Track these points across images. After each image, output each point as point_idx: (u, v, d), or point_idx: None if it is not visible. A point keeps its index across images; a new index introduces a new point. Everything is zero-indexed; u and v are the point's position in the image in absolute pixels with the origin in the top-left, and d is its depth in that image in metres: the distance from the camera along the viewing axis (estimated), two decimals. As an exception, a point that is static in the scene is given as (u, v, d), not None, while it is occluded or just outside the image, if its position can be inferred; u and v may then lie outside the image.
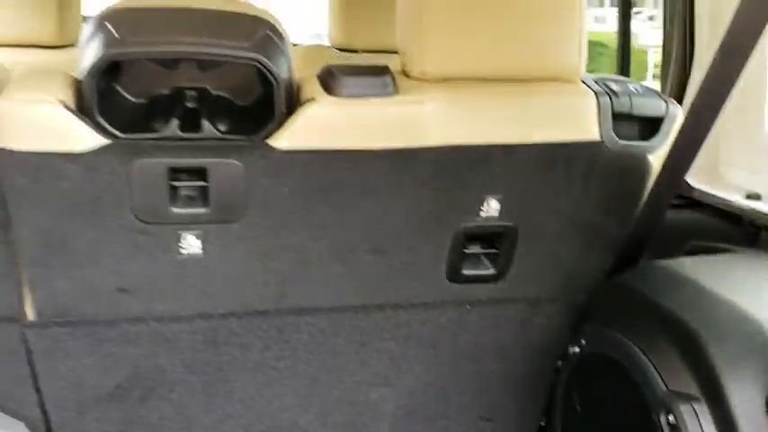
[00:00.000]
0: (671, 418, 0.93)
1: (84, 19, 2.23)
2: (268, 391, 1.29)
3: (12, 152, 0.97)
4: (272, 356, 1.26)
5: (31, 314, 1.13)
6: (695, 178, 1.50)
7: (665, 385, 0.96)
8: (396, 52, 1.19)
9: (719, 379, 0.91)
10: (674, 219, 1.47)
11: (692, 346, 0.96)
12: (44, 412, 1.22)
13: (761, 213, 1.30)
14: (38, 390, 1.20)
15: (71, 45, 2.00)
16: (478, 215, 1.17)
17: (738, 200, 1.37)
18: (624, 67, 2.15)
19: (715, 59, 1.06)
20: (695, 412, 0.91)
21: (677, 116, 1.18)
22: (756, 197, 1.33)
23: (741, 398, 0.89)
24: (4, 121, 0.96)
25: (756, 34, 0.98)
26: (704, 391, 0.92)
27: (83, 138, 0.99)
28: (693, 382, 0.94)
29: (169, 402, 1.26)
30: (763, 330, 0.91)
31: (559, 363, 1.27)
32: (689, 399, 0.92)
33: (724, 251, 1.26)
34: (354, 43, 2.15)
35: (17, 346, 1.15)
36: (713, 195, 1.42)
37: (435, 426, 1.39)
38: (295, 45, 2.16)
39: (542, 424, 1.39)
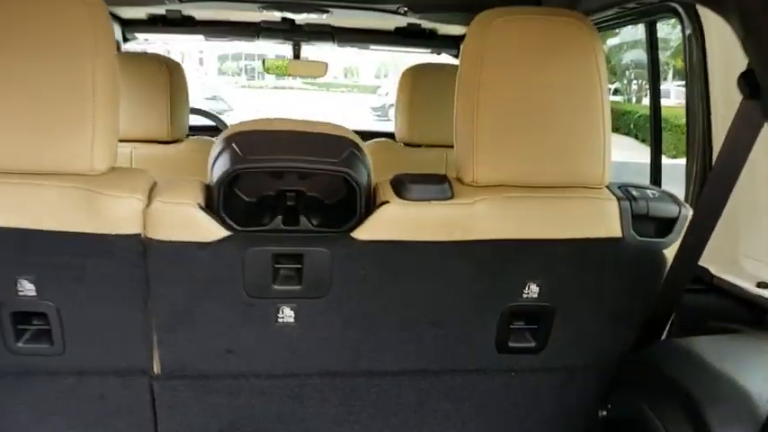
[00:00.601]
0: (676, 470, 1.13)
1: (192, 111, 2.61)
2: None
3: (159, 241, 1.27)
4: (345, 411, 1.50)
5: (156, 368, 1.41)
6: (717, 267, 1.71)
7: (673, 443, 1.16)
8: (449, 146, 1.47)
9: None
10: (695, 301, 1.67)
11: (696, 414, 1.16)
12: None
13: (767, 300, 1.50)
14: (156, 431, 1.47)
15: (179, 140, 2.37)
16: (521, 297, 1.41)
17: (751, 287, 1.57)
18: (657, 147, 2.32)
19: (714, 169, 1.29)
20: (696, 465, 1.11)
21: (689, 217, 1.41)
22: (766, 286, 1.53)
23: (732, 454, 1.09)
24: (155, 218, 1.27)
25: (749, 146, 1.21)
26: (703, 449, 1.12)
27: (211, 231, 1.29)
28: (695, 441, 1.14)
29: None
30: (751, 401, 1.11)
31: (591, 424, 1.47)
32: (691, 454, 1.12)
33: (735, 332, 1.46)
34: (417, 139, 2.47)
35: (145, 395, 1.43)
36: (730, 282, 1.62)
37: None
38: (367, 136, 2.47)
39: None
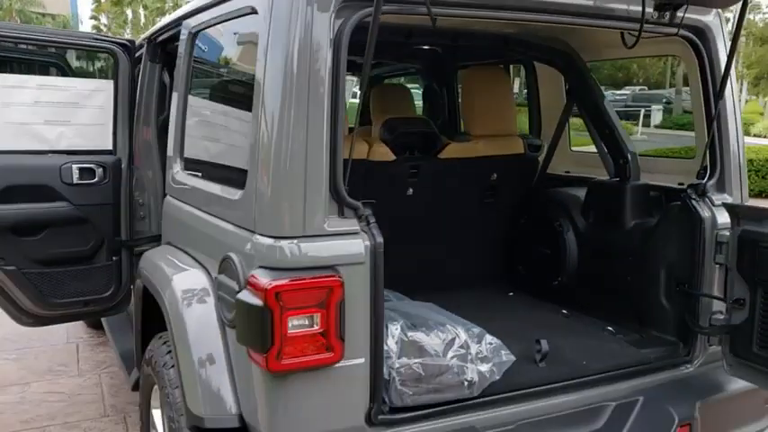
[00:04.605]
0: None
1: None
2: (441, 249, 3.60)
3: (371, 161, 3.23)
4: (432, 232, 3.56)
5: None
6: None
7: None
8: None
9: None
10: (552, 181, 4.00)
11: (568, 210, 3.47)
12: None
13: (571, 176, 3.87)
14: None
15: None
16: (492, 179, 3.62)
17: (562, 174, 3.94)
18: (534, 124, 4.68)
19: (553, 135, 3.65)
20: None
21: (545, 146, 3.74)
22: (567, 172, 3.91)
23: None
24: (372, 151, 3.23)
25: (564, 120, 3.56)
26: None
27: (390, 156, 3.29)
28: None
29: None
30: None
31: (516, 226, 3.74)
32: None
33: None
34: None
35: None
36: (557, 173, 3.97)
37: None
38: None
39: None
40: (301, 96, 2.05)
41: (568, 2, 2.44)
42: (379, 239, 2.14)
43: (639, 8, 2.50)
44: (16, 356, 5.38)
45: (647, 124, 22.69)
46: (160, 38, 3.63)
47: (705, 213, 2.72)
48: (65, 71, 4.31)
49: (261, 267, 2.04)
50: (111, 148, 3.69)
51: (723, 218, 2.69)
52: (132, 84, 3.71)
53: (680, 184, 3.01)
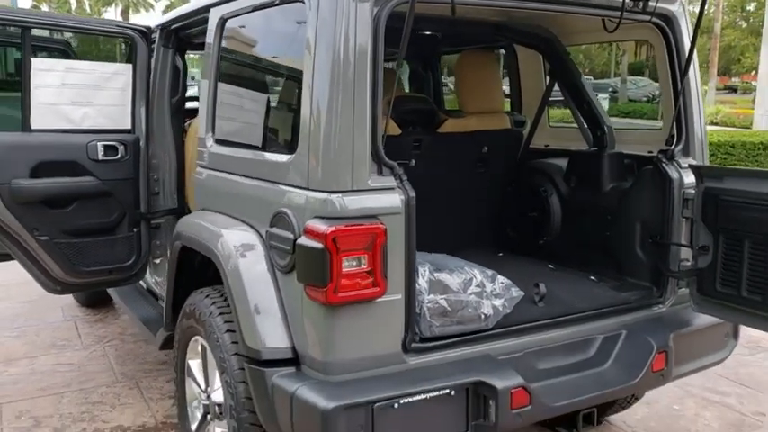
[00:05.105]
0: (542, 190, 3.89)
1: None
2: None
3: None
4: (434, 193, 3.97)
5: None
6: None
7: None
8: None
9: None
10: (534, 153, 4.45)
11: (551, 175, 3.92)
12: None
13: (551, 149, 4.32)
14: None
15: None
16: (483, 151, 4.04)
17: (542, 147, 4.39)
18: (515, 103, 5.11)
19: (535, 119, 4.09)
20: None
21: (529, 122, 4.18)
22: (547, 146, 4.36)
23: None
24: None
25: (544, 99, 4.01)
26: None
27: (398, 131, 3.67)
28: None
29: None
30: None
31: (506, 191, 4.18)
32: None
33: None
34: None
35: None
36: (538, 147, 4.42)
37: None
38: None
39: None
40: (348, 78, 2.42)
41: None
42: (412, 194, 2.52)
43: None
44: (18, 334, 5.58)
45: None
46: (175, 25, 3.93)
47: (674, 175, 3.19)
48: (69, 56, 4.56)
49: (316, 218, 2.41)
50: (130, 127, 3.97)
51: (689, 178, 3.16)
52: (149, 67, 4.00)
53: (649, 152, 3.48)
